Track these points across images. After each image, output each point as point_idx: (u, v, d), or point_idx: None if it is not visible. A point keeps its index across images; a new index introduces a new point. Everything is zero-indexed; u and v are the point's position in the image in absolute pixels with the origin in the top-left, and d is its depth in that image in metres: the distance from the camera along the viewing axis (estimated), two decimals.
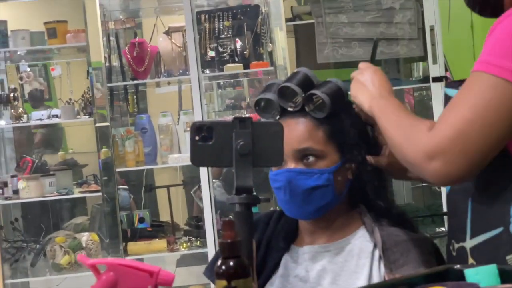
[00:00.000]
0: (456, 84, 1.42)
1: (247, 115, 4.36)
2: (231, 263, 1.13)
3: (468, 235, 1.45)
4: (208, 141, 1.39)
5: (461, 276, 1.17)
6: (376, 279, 1.62)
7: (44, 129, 5.64)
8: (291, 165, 1.65)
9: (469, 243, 1.45)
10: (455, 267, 1.21)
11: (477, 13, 1.50)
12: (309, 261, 1.69)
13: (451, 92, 1.43)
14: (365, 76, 1.60)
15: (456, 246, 1.49)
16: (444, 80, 3.97)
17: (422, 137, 1.34)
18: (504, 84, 1.28)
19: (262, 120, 1.70)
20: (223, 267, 1.13)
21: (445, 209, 3.98)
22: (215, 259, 1.77)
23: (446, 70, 4.10)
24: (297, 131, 1.65)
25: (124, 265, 1.06)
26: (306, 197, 1.63)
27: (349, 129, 1.66)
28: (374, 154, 1.69)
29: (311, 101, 1.65)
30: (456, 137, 1.29)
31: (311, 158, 1.64)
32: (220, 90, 5.90)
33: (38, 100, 5.18)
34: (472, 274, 1.16)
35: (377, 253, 1.65)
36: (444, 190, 3.90)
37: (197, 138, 1.40)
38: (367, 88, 1.57)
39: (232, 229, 1.15)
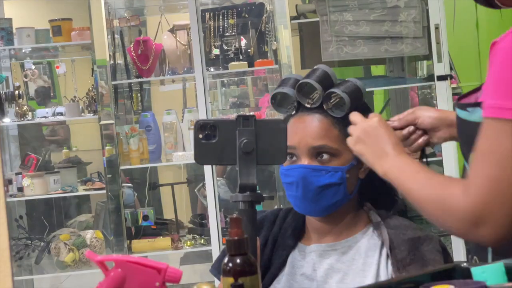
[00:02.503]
0: (464, 105, 1.37)
1: (250, 113, 4.37)
2: (238, 261, 1.13)
3: (490, 254, 1.44)
4: (211, 139, 1.39)
5: (468, 274, 1.17)
6: (383, 278, 1.62)
7: (55, 126, 5.65)
8: (305, 161, 1.65)
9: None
10: (462, 265, 1.21)
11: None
12: (316, 259, 1.69)
13: (462, 114, 1.38)
14: (372, 132, 1.53)
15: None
16: (449, 78, 3.97)
17: (459, 206, 1.27)
18: None
19: (266, 118, 1.71)
20: (230, 265, 1.13)
21: None
22: (221, 256, 1.78)
23: (451, 68, 4.09)
24: (313, 128, 1.65)
25: (132, 261, 1.06)
26: (317, 194, 1.63)
27: None
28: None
29: (330, 100, 1.65)
30: (492, 200, 1.23)
31: (325, 156, 1.64)
32: (224, 88, 5.90)
33: (44, 97, 5.19)
34: (479, 272, 1.16)
35: (384, 251, 1.65)
36: None
37: (200, 136, 1.40)
38: (376, 149, 1.51)
39: (239, 226, 1.15)
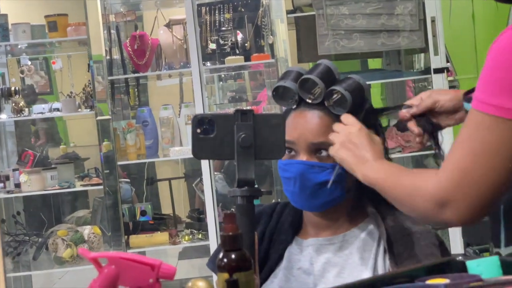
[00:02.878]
0: (471, 99, 1.38)
1: (248, 108, 4.37)
2: (233, 256, 1.13)
3: (503, 243, 1.45)
4: (209, 133, 1.39)
5: (463, 268, 1.17)
6: (381, 272, 1.62)
7: (44, 123, 5.64)
8: (303, 157, 1.64)
9: (504, 251, 1.45)
10: (457, 258, 1.21)
11: None
12: (314, 253, 1.68)
13: (469, 107, 1.39)
14: (353, 139, 1.57)
15: (494, 250, 1.48)
16: (445, 71, 3.97)
17: (428, 186, 1.34)
18: (500, 122, 1.26)
19: (264, 112, 1.70)
20: (225, 260, 1.13)
21: None
22: (217, 251, 1.77)
23: (448, 61, 4.09)
24: (313, 124, 1.65)
25: (126, 258, 1.06)
26: (315, 190, 1.63)
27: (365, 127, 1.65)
28: (384, 152, 1.69)
29: (331, 97, 1.64)
30: (458, 185, 1.29)
31: (324, 153, 1.64)
32: (221, 82, 5.90)
33: (32, 95, 5.19)
34: (474, 265, 1.16)
35: (382, 246, 1.65)
36: None
37: (198, 130, 1.39)
38: (358, 154, 1.55)
39: (233, 222, 1.15)
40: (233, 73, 5.64)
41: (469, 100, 1.39)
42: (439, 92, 1.66)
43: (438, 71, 3.98)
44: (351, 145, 1.56)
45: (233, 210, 1.34)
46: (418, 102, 1.64)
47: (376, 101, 4.59)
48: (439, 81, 3.99)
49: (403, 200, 1.43)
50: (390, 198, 1.47)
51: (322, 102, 1.65)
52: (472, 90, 1.43)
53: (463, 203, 1.29)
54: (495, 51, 1.28)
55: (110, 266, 1.05)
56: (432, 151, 4.02)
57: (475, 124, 1.29)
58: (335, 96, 1.63)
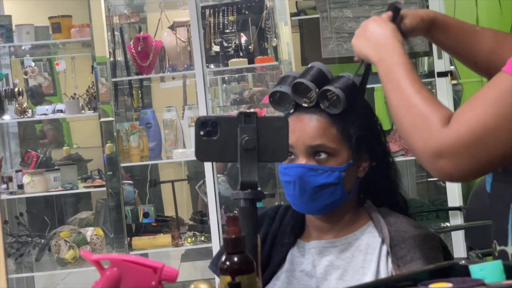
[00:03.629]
0: None
1: (251, 110, 4.36)
2: (235, 259, 1.13)
3: (510, 240, 1.43)
4: (212, 136, 1.39)
5: (466, 272, 1.17)
6: (383, 275, 1.61)
7: (49, 124, 5.65)
8: (302, 160, 1.64)
9: (511, 249, 1.44)
10: (460, 262, 1.20)
11: None
12: (316, 256, 1.68)
13: None
14: (369, 26, 1.51)
15: (498, 248, 1.47)
16: (449, 74, 3.96)
17: (434, 133, 1.28)
18: None
19: (267, 115, 1.70)
20: (227, 263, 1.13)
21: (450, 204, 3.99)
22: (220, 253, 1.77)
23: (451, 64, 4.09)
24: (311, 127, 1.65)
25: (128, 260, 1.06)
26: (315, 193, 1.63)
27: (362, 128, 1.65)
28: (385, 154, 1.69)
29: (326, 98, 1.64)
30: (472, 143, 1.24)
31: (323, 155, 1.64)
32: (224, 85, 5.90)
33: (37, 96, 5.20)
34: (477, 270, 1.16)
35: (384, 249, 1.64)
36: (457, 185, 3.90)
37: (201, 133, 1.39)
38: (372, 38, 1.49)
39: (236, 224, 1.15)
40: (236, 75, 5.64)
41: None
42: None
43: (442, 74, 3.98)
44: (366, 30, 1.51)
45: (236, 212, 1.33)
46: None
47: (380, 104, 4.58)
48: (442, 84, 3.98)
49: (403, 129, 1.36)
50: (392, 113, 1.40)
51: (318, 104, 1.65)
52: None
53: (466, 160, 1.25)
54: None
55: (112, 268, 1.05)
56: None
57: (506, 87, 1.23)
58: (329, 97, 1.63)
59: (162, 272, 1.06)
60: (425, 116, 1.30)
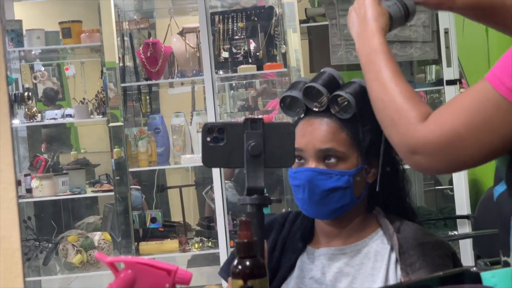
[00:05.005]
0: None
1: (258, 116, 4.37)
2: (247, 263, 1.13)
3: None
4: (219, 142, 1.40)
5: (477, 279, 1.17)
6: (392, 282, 1.61)
7: (51, 129, 5.65)
8: (312, 164, 1.65)
9: None
10: (472, 269, 1.20)
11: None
12: (326, 263, 1.68)
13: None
14: (357, 8, 1.52)
15: (502, 258, 1.48)
16: (458, 83, 3.95)
17: (410, 130, 1.32)
18: (508, 106, 1.25)
19: (274, 121, 1.71)
20: (239, 267, 1.13)
21: (458, 213, 3.98)
22: (230, 259, 1.77)
23: (460, 73, 4.08)
24: (321, 131, 1.65)
25: (142, 263, 1.06)
26: (324, 197, 1.63)
27: (372, 133, 1.65)
28: (395, 160, 1.70)
29: (336, 102, 1.65)
30: (443, 146, 1.29)
31: (333, 159, 1.64)
32: (232, 91, 5.91)
33: (51, 99, 5.21)
34: (488, 277, 1.16)
35: (393, 256, 1.64)
36: (465, 194, 3.89)
37: (208, 139, 1.40)
38: (355, 25, 1.50)
39: (248, 229, 1.15)
40: (244, 82, 5.65)
41: None
42: None
43: (451, 82, 3.97)
44: (354, 13, 1.52)
45: (244, 217, 1.33)
46: None
47: None
48: (451, 92, 3.98)
49: (381, 119, 1.40)
50: (372, 102, 1.43)
51: (328, 109, 1.66)
52: None
53: (437, 159, 1.30)
54: None
55: (126, 270, 1.06)
56: None
57: (484, 96, 1.27)
58: (340, 102, 1.64)
59: (176, 275, 1.06)
60: (402, 111, 1.34)
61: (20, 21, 4.74)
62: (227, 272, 1.72)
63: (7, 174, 0.86)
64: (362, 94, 1.63)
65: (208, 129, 1.40)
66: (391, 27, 1.54)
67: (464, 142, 1.27)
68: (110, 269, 1.05)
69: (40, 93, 5.31)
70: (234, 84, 5.79)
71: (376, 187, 1.68)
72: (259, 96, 5.62)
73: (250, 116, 5.02)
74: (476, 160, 1.30)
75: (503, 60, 1.29)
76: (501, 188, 1.47)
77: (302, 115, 1.70)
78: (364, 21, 1.48)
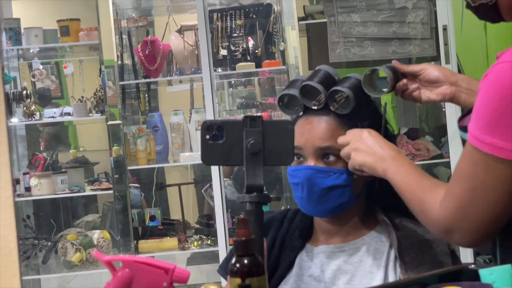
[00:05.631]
0: (463, 128, 1.42)
1: (257, 114, 4.37)
2: (245, 261, 1.13)
3: (499, 260, 1.46)
4: (218, 140, 1.39)
5: (475, 276, 1.17)
6: (391, 280, 1.61)
7: (50, 127, 5.65)
8: (311, 162, 1.65)
9: None
10: (470, 267, 1.20)
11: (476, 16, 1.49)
12: (324, 260, 1.68)
13: (463, 135, 1.43)
14: (367, 142, 1.58)
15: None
16: None
17: (434, 214, 1.40)
18: (495, 161, 1.29)
19: (273, 119, 1.70)
20: (237, 265, 1.13)
21: None
22: (229, 256, 1.77)
23: (459, 70, 4.08)
24: (319, 129, 1.65)
25: (140, 262, 1.06)
26: (323, 195, 1.63)
27: (371, 128, 1.65)
28: None
29: (334, 99, 1.65)
30: (460, 216, 1.35)
31: (332, 157, 1.64)
32: (231, 89, 5.90)
33: (46, 98, 5.20)
34: (486, 274, 1.16)
35: (392, 253, 1.64)
36: None
37: (207, 137, 1.40)
38: (375, 153, 1.56)
39: (246, 227, 1.15)
40: (243, 79, 5.64)
41: (462, 128, 1.43)
42: (432, 64, 1.71)
43: None
44: (364, 147, 1.57)
45: (243, 215, 1.33)
46: (412, 67, 1.69)
47: (387, 109, 4.58)
48: None
49: (414, 212, 1.49)
50: (405, 201, 1.51)
51: (327, 106, 1.65)
52: (465, 115, 1.45)
53: (467, 231, 1.36)
54: (486, 86, 1.31)
55: (124, 269, 1.05)
56: (443, 160, 4.01)
57: (472, 160, 1.33)
58: (338, 98, 1.64)
59: (174, 273, 1.06)
60: (425, 198, 1.44)
61: (18, 20, 4.73)
62: (226, 269, 1.72)
63: (4, 173, 0.86)
64: (359, 88, 1.63)
65: (207, 127, 1.40)
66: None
67: (473, 208, 1.34)
68: (108, 268, 1.05)
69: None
70: (233, 82, 5.79)
71: (375, 185, 1.68)
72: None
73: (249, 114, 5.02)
74: (493, 219, 1.35)
75: (474, 116, 1.33)
76: None
77: (301, 113, 1.70)
78: (379, 151, 1.56)
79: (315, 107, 1.66)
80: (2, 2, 4.89)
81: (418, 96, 1.68)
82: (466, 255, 3.74)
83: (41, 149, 5.44)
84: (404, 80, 1.68)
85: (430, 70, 1.66)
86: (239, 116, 4.94)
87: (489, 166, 1.30)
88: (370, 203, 1.73)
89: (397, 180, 1.51)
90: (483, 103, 1.30)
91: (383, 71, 1.67)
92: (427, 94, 1.68)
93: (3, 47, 4.69)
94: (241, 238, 1.14)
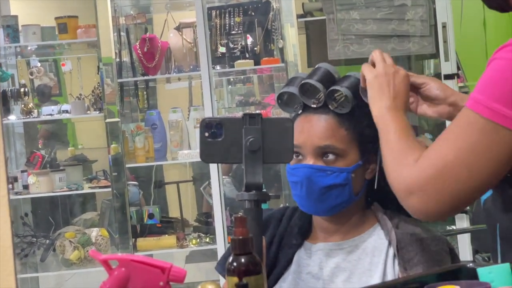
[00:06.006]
0: None
1: (257, 111, 4.36)
2: (243, 260, 1.13)
3: (500, 259, 1.46)
4: (217, 137, 1.39)
5: (474, 275, 1.17)
6: (390, 278, 1.61)
7: (48, 124, 5.64)
8: (310, 161, 1.64)
9: None
10: (468, 265, 1.20)
11: (485, 4, 1.48)
12: (323, 258, 1.68)
13: None
14: (389, 79, 1.55)
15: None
16: (456, 77, 3.95)
17: (405, 171, 1.35)
18: (493, 127, 1.27)
19: (272, 116, 1.70)
20: (234, 264, 1.13)
21: None
22: (227, 254, 1.77)
23: (458, 67, 4.08)
24: (319, 128, 1.64)
25: (136, 260, 1.06)
26: (322, 194, 1.63)
27: (370, 128, 1.64)
28: None
29: (333, 98, 1.64)
30: (434, 177, 1.30)
31: (331, 156, 1.63)
32: (230, 86, 5.90)
33: (45, 95, 5.20)
34: (485, 272, 1.15)
35: (391, 251, 1.64)
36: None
37: (206, 134, 1.39)
38: (383, 96, 1.54)
39: (243, 225, 1.15)
40: (242, 77, 5.64)
41: None
42: (436, 80, 1.67)
43: (449, 77, 3.97)
44: (385, 78, 1.54)
45: (241, 213, 1.33)
46: (415, 78, 1.65)
47: None
48: (449, 87, 3.97)
49: (386, 168, 1.44)
50: (382, 156, 1.47)
51: (326, 104, 1.65)
52: None
53: (432, 196, 1.31)
54: (501, 59, 1.29)
55: (120, 268, 1.05)
56: None
57: (467, 122, 1.29)
58: (337, 98, 1.63)
59: (170, 273, 1.06)
60: (402, 155, 1.39)
61: (16, 17, 4.73)
62: (223, 267, 1.71)
63: None
64: (358, 87, 1.63)
65: (206, 124, 1.39)
66: None
67: (454, 171, 1.29)
68: (104, 267, 1.05)
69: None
70: (232, 79, 5.78)
71: (375, 183, 1.67)
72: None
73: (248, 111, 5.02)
74: (468, 192, 1.30)
75: (480, 83, 1.30)
76: (487, 192, 1.47)
77: (300, 111, 1.69)
78: (384, 94, 1.52)
79: (314, 106, 1.66)
80: (0, 0, 4.89)
81: (414, 108, 1.66)
82: (465, 253, 3.74)
83: (39, 147, 5.43)
84: None
85: (431, 87, 1.63)
86: (238, 114, 4.94)
87: (486, 130, 1.27)
88: (370, 201, 1.72)
89: (383, 132, 1.48)
90: (496, 72, 1.28)
91: None
92: (423, 108, 1.65)
93: (1, 44, 4.69)
94: (239, 236, 1.14)
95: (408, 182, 1.33)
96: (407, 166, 1.35)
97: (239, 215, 1.17)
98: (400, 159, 1.38)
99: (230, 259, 1.14)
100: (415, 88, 1.64)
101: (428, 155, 1.33)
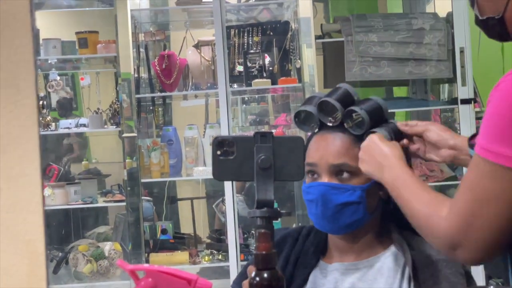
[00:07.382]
0: (473, 145, 1.42)
1: (270, 131, 4.37)
2: (265, 275, 1.13)
3: (511, 281, 1.46)
4: (229, 155, 1.40)
5: None
6: None
7: (75, 137, 5.67)
8: (325, 179, 1.66)
9: None
10: None
11: (485, 34, 1.50)
12: (338, 278, 1.69)
13: (472, 152, 1.43)
14: (368, 150, 1.61)
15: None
16: (472, 102, 3.96)
17: (440, 227, 1.38)
18: (503, 171, 1.29)
19: (283, 135, 1.71)
20: (257, 279, 1.13)
21: None
22: (243, 272, 1.78)
23: (475, 93, 4.08)
24: (334, 146, 1.66)
25: (163, 271, 1.07)
26: (337, 212, 1.64)
27: None
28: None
29: (350, 118, 1.66)
30: (467, 229, 1.33)
31: (346, 174, 1.65)
32: (244, 105, 5.91)
33: (66, 108, 5.22)
34: None
35: (407, 272, 1.64)
36: None
37: (219, 152, 1.41)
38: (375, 160, 1.59)
39: (267, 241, 1.16)
40: (256, 96, 5.65)
41: (472, 146, 1.43)
42: (436, 125, 1.71)
43: (465, 101, 3.98)
44: (366, 156, 1.60)
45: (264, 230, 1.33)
46: (414, 124, 1.69)
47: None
48: (466, 111, 3.97)
49: (418, 227, 1.47)
50: (407, 216, 1.49)
51: (341, 123, 1.67)
52: (474, 135, 1.46)
53: (472, 246, 1.34)
54: (496, 97, 1.31)
55: (147, 278, 1.06)
56: (456, 182, 3.99)
57: (478, 170, 1.33)
58: (354, 117, 1.65)
59: (196, 285, 1.07)
60: (427, 217, 1.42)
61: (37, 30, 4.77)
62: (239, 285, 1.72)
63: (34, 178, 0.87)
64: (377, 112, 1.64)
65: (218, 143, 1.41)
66: None
67: (478, 220, 1.32)
68: (131, 276, 1.06)
69: (53, 103, 5.32)
70: (246, 98, 5.80)
71: (390, 203, 1.68)
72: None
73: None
74: (499, 233, 1.33)
75: (482, 128, 1.33)
76: None
77: (316, 130, 1.71)
78: (381, 157, 1.57)
79: (331, 124, 1.68)
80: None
81: (423, 155, 1.70)
82: (479, 278, 3.73)
83: (54, 159, 5.46)
84: (405, 141, 1.69)
85: (430, 133, 1.67)
86: (251, 132, 4.95)
87: (496, 175, 1.30)
88: (385, 221, 1.73)
89: (399, 192, 1.51)
90: (494, 113, 1.31)
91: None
92: (431, 154, 1.70)
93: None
94: (262, 251, 1.15)
95: (447, 241, 1.37)
96: (439, 224, 1.38)
97: (263, 231, 1.18)
98: (429, 216, 1.41)
99: (253, 274, 1.15)
100: (419, 136, 1.69)
101: (454, 209, 1.36)
